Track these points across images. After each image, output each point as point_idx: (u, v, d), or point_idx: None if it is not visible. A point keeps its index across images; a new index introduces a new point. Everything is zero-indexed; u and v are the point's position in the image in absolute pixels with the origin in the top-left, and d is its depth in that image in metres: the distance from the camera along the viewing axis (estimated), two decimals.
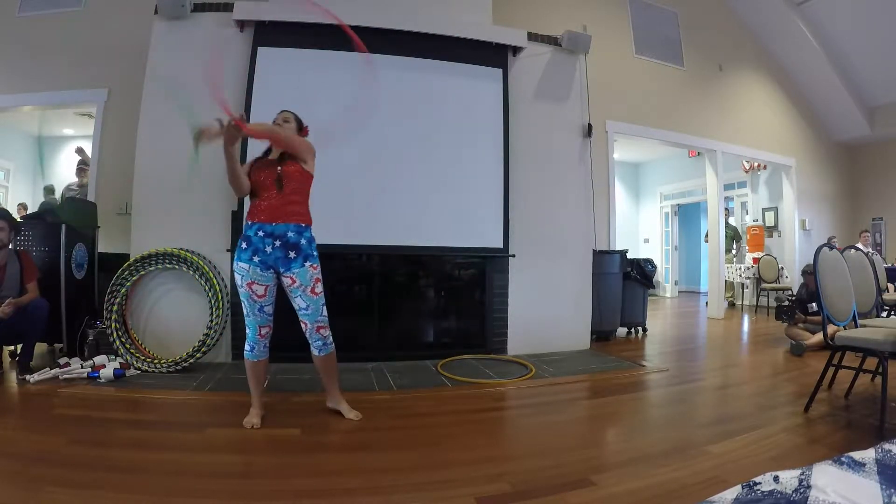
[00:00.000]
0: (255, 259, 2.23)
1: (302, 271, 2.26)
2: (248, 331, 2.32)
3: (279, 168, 2.28)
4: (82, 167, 4.79)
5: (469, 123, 4.00)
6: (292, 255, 2.25)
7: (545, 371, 3.47)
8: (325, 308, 2.35)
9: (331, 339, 2.38)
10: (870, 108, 7.57)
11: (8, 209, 3.69)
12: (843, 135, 7.94)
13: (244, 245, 2.26)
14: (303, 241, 2.28)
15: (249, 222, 2.28)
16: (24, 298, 3.06)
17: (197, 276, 3.41)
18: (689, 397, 3.02)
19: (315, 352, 2.37)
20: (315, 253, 2.33)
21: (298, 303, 2.30)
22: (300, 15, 3.63)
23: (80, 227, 3.79)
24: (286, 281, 2.28)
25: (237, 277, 2.27)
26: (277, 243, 2.23)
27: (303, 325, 2.34)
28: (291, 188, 2.28)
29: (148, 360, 3.23)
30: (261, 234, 2.23)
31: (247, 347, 2.34)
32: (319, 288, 2.32)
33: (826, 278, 2.56)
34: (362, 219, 3.72)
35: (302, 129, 2.49)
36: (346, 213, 3.65)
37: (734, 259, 8.22)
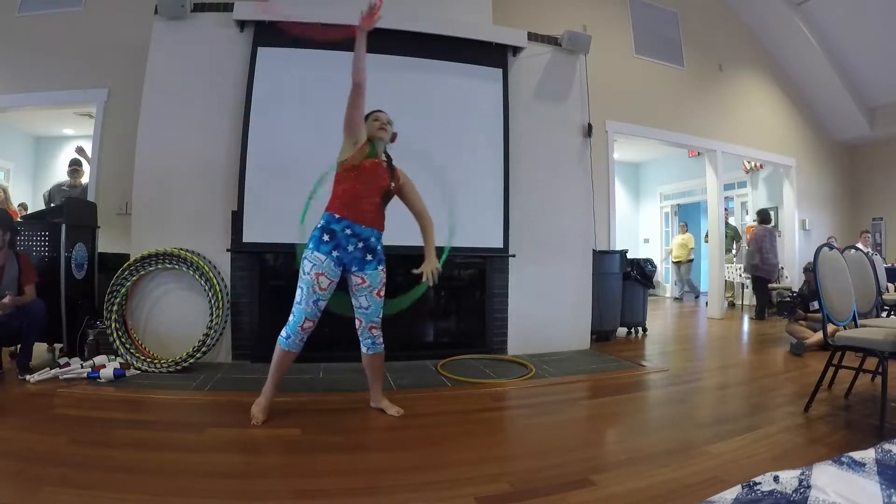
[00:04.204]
0: (335, 254, 2.26)
1: (374, 273, 2.36)
2: (291, 317, 2.29)
3: (392, 185, 2.36)
4: (75, 167, 4.78)
5: (469, 123, 4.00)
6: (369, 257, 2.33)
7: (545, 371, 3.47)
8: (381, 311, 2.42)
9: (381, 339, 2.45)
10: (870, 108, 7.57)
11: (6, 210, 3.68)
12: (843, 135, 7.94)
13: (326, 237, 2.25)
14: (379, 247, 2.38)
15: (338, 216, 2.27)
16: (22, 299, 3.06)
17: (197, 276, 3.41)
18: (688, 397, 3.02)
19: (364, 349, 2.44)
20: (384, 257, 2.42)
21: (361, 301, 2.37)
22: (300, 15, 3.63)
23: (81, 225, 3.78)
24: (355, 280, 2.34)
25: (307, 265, 2.25)
26: (360, 245, 2.30)
27: (357, 322, 2.41)
28: (386, 205, 2.38)
29: (148, 360, 3.23)
30: (348, 231, 2.27)
31: (283, 333, 2.30)
32: (383, 292, 2.41)
33: (826, 278, 2.55)
34: None
35: (392, 137, 2.45)
36: None
37: (734, 259, 8.23)
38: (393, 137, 2.45)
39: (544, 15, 5.20)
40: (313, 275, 2.24)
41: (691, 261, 8.85)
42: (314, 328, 2.33)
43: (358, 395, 2.69)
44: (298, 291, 2.29)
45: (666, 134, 6.18)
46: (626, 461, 1.97)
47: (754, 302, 7.58)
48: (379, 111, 2.44)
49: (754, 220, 8.21)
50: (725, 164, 6.80)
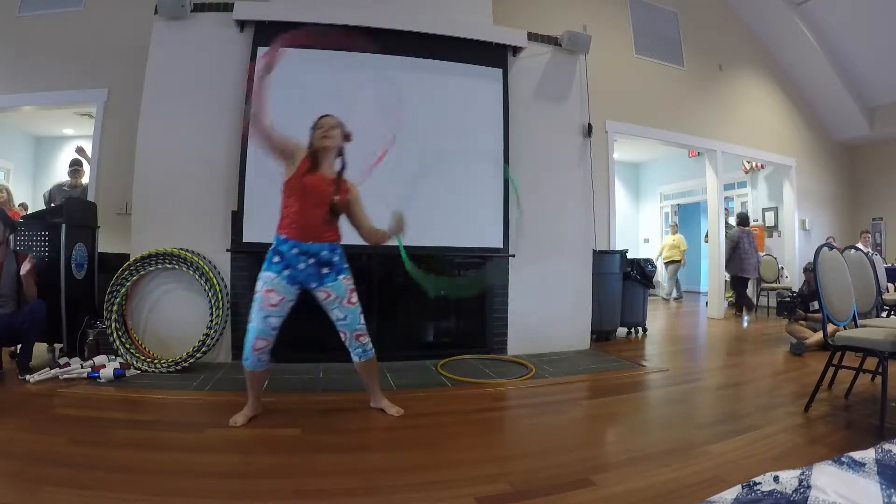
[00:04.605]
0: (285, 273, 2.24)
1: (336, 284, 2.32)
2: (246, 337, 2.29)
3: (336, 198, 2.28)
4: (76, 167, 4.79)
5: (469, 123, 4.00)
6: (325, 270, 2.29)
7: (545, 371, 3.47)
8: (361, 316, 2.39)
9: (370, 345, 2.43)
10: (870, 108, 7.57)
11: (4, 209, 3.68)
12: (843, 135, 7.94)
13: (276, 259, 2.25)
14: (335, 258, 2.33)
15: (284, 237, 2.25)
16: (29, 293, 3.10)
17: (197, 276, 3.41)
18: (689, 397, 3.02)
19: (355, 358, 2.42)
20: (346, 265, 2.37)
21: (336, 314, 2.35)
22: (300, 15, 3.63)
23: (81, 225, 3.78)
24: (321, 295, 2.32)
25: (258, 283, 2.27)
26: (311, 261, 2.26)
27: (342, 335, 2.39)
28: (338, 217, 2.33)
29: (148, 360, 3.23)
30: (295, 251, 2.24)
31: (244, 355, 2.30)
32: (355, 298, 2.37)
33: (826, 278, 2.55)
34: None
35: (346, 136, 2.37)
36: None
37: None
38: (347, 137, 2.36)
39: (544, 15, 5.19)
40: (263, 291, 2.24)
41: (681, 261, 8.88)
42: (269, 347, 2.29)
43: (358, 395, 2.68)
44: (251, 311, 2.27)
45: (666, 134, 6.18)
46: (626, 461, 1.97)
47: (755, 302, 7.60)
48: (324, 116, 2.34)
49: (755, 221, 8.24)
50: (725, 164, 6.80)
